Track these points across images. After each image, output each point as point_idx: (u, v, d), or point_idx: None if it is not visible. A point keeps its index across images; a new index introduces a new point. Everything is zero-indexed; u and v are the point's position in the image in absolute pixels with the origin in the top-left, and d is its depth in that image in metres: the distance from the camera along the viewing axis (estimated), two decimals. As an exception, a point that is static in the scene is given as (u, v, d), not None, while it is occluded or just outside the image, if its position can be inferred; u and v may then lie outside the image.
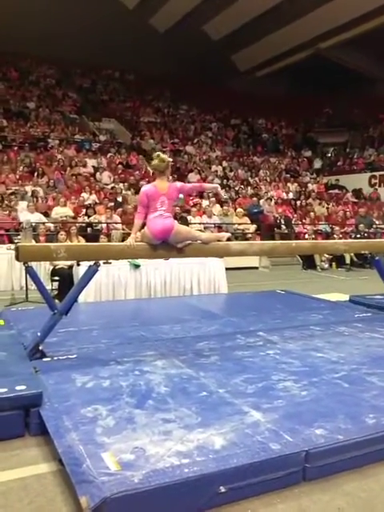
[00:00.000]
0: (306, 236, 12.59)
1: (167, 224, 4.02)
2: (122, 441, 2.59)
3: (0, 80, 18.88)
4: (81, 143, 16.50)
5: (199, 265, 7.74)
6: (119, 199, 12.56)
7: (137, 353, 4.16)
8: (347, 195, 17.35)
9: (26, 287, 7.11)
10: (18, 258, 3.85)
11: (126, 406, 3.06)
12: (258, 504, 2.33)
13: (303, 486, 2.48)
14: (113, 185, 13.65)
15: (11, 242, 9.04)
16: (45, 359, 3.92)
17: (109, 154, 15.93)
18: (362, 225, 13.14)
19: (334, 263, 11.91)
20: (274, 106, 22.42)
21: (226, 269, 8.14)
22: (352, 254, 11.57)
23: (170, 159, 4.32)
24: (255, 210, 13.54)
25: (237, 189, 15.76)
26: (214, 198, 13.74)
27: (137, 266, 7.23)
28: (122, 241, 4.18)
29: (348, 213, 14.91)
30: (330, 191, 17.80)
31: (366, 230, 13.05)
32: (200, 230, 9.19)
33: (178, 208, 12.32)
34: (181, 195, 13.67)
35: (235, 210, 13.19)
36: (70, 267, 7.32)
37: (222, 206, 13.30)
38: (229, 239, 4.97)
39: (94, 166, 14.77)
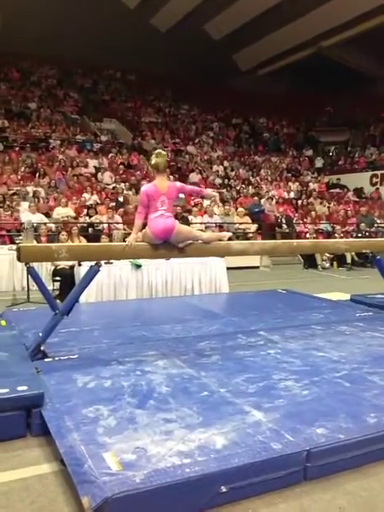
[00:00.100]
0: (307, 235, 12.57)
1: (168, 224, 4.02)
2: (124, 441, 2.60)
3: (1, 80, 18.91)
4: (82, 143, 16.51)
5: (200, 264, 7.75)
6: (120, 199, 12.56)
7: (138, 353, 4.17)
8: (348, 194, 17.32)
9: (27, 287, 7.12)
10: (19, 259, 3.86)
11: (127, 406, 3.06)
12: (260, 503, 2.34)
13: (304, 485, 2.49)
14: (114, 185, 13.66)
15: (13, 242, 9.05)
16: (46, 359, 3.93)
17: (110, 155, 15.94)
18: (363, 224, 13.12)
19: (335, 262, 11.90)
20: (275, 105, 22.39)
21: (227, 268, 8.15)
22: (353, 253, 11.55)
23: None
24: (256, 210, 13.52)
25: (238, 188, 15.75)
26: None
27: (138, 266, 7.24)
28: (124, 241, 4.17)
29: (349, 212, 14.88)
30: (331, 190, 17.78)
31: (368, 229, 13.03)
32: (201, 230, 9.20)
33: (179, 208, 12.32)
34: (181, 195, 13.61)
35: (236, 209, 13.19)
36: (72, 267, 7.33)
37: (223, 206, 13.30)
38: (230, 239, 4.96)
39: (95, 167, 14.77)
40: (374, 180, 17.74)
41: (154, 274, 7.40)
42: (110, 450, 2.49)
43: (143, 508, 2.19)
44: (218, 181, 16.06)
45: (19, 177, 13.03)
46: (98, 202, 12.24)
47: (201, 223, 11.78)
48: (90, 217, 11.07)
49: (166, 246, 4.16)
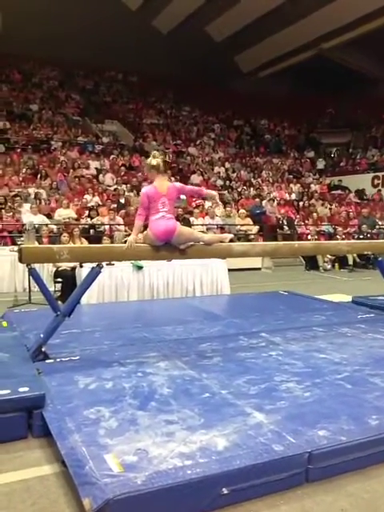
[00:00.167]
0: (309, 237, 12.57)
1: (170, 225, 4.01)
2: (125, 442, 2.59)
3: (3, 82, 18.96)
4: (84, 145, 16.55)
5: (202, 266, 7.75)
6: (122, 201, 12.58)
7: (139, 354, 4.17)
8: (350, 196, 17.32)
9: (29, 289, 7.12)
10: (21, 260, 3.86)
11: (128, 407, 3.06)
12: (261, 505, 2.33)
13: (306, 487, 2.48)
14: (115, 186, 13.69)
15: (14, 243, 9.07)
16: (48, 361, 3.93)
17: (111, 156, 15.96)
18: (364, 225, 13.12)
19: (336, 264, 11.89)
20: (277, 107, 22.42)
21: (229, 270, 8.15)
22: (355, 255, 11.55)
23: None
24: (258, 211, 13.53)
25: (239, 190, 15.75)
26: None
27: (139, 268, 7.24)
28: (124, 242, 4.16)
29: (351, 213, 14.89)
30: (333, 192, 17.77)
31: (369, 230, 13.02)
32: (202, 231, 9.20)
33: (180, 209, 12.33)
34: (182, 196, 13.56)
35: (238, 211, 13.19)
36: (73, 269, 7.33)
37: (224, 207, 13.30)
38: (231, 240, 4.95)
39: (96, 168, 14.80)
40: (376, 181, 17.74)
41: (155, 276, 7.40)
42: (111, 451, 2.49)
43: (144, 510, 2.18)
44: (220, 182, 16.07)
45: (21, 178, 13.05)
46: (100, 203, 12.26)
47: (202, 225, 11.79)
48: (92, 218, 11.09)
49: (168, 248, 4.16)
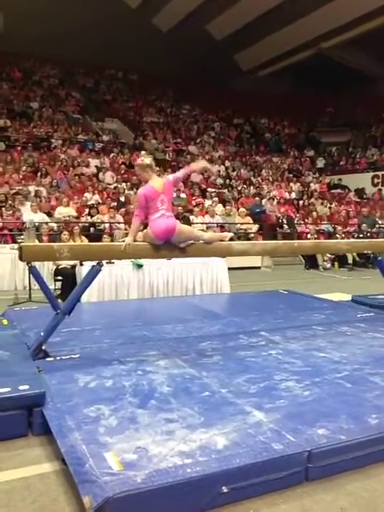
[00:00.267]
0: (309, 236, 12.57)
1: (170, 224, 4.01)
2: (125, 441, 2.60)
3: (3, 80, 18.94)
4: (84, 143, 16.53)
5: (202, 265, 7.75)
6: (122, 199, 12.57)
7: (139, 353, 4.17)
8: (350, 195, 17.31)
9: (29, 287, 7.13)
10: (21, 258, 3.86)
11: (128, 405, 3.06)
12: (261, 504, 2.34)
13: (306, 486, 2.48)
14: (115, 185, 13.68)
15: (15, 241, 9.06)
16: (48, 359, 3.93)
17: (112, 154, 15.95)
18: (364, 224, 13.12)
19: (336, 263, 11.90)
20: (277, 106, 22.40)
21: (229, 269, 8.15)
22: (354, 254, 11.55)
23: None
24: (258, 210, 13.53)
25: (239, 188, 15.74)
26: (216, 198, 13.75)
27: (139, 266, 7.25)
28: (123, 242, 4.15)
29: (351, 212, 14.89)
30: (333, 191, 17.77)
31: (369, 229, 13.03)
32: (202, 230, 9.19)
33: (180, 208, 12.33)
34: (183, 195, 13.51)
35: (238, 209, 13.19)
36: (73, 267, 7.34)
37: (224, 206, 13.31)
38: (231, 239, 4.95)
39: (96, 166, 14.78)
40: (376, 180, 17.74)
41: (155, 274, 7.41)
42: (111, 449, 2.50)
43: (144, 508, 2.19)
44: (220, 181, 16.06)
45: (21, 176, 13.03)
46: (100, 201, 12.26)
47: (202, 223, 11.79)
48: (92, 216, 11.09)
49: (168, 246, 4.16)
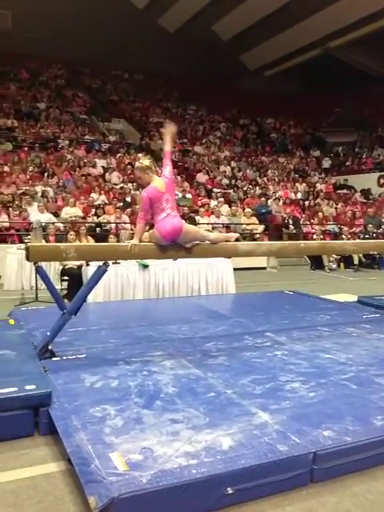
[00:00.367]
0: (315, 236, 12.54)
1: (176, 224, 4.01)
2: (130, 441, 2.61)
3: (11, 81, 19.04)
4: (90, 144, 16.56)
5: (207, 265, 7.75)
6: (128, 199, 12.60)
7: (145, 353, 4.19)
8: (356, 195, 17.24)
9: (35, 287, 7.16)
10: (28, 258, 3.88)
11: (134, 406, 3.08)
12: (266, 505, 2.34)
13: (311, 487, 2.48)
14: (122, 185, 13.70)
15: (21, 241, 9.11)
16: (54, 359, 3.96)
17: (118, 155, 15.98)
18: (370, 225, 13.07)
19: (342, 264, 11.86)
20: (283, 106, 22.34)
21: (234, 269, 8.15)
22: (360, 255, 11.51)
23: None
24: (263, 210, 13.51)
25: (245, 189, 15.73)
26: (222, 198, 13.75)
27: (145, 267, 7.26)
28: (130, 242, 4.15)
29: (356, 213, 14.83)
30: (339, 191, 17.71)
31: (375, 230, 12.97)
32: (208, 230, 9.19)
33: (186, 208, 12.34)
34: (188, 195, 13.47)
35: (243, 210, 13.18)
36: (80, 267, 7.37)
37: (230, 206, 13.30)
38: (237, 239, 4.95)
39: (103, 167, 14.82)
40: (382, 181, 17.64)
41: (160, 275, 7.42)
42: (116, 449, 2.51)
43: (149, 508, 2.19)
44: (225, 181, 16.05)
45: (28, 176, 13.09)
46: (106, 201, 12.28)
47: (208, 223, 11.79)
48: (98, 217, 11.12)
49: (173, 247, 4.16)
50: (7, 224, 10.22)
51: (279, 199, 14.58)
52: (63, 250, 3.99)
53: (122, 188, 13.41)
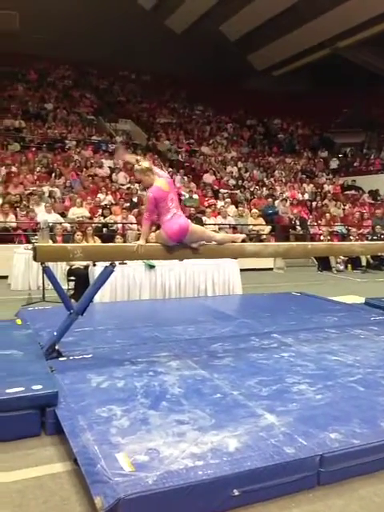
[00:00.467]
0: (322, 237, 12.49)
1: (183, 224, 4.01)
2: (137, 442, 2.61)
3: (19, 81, 19.16)
4: (97, 144, 16.62)
5: (214, 266, 7.74)
6: (135, 200, 12.61)
7: (151, 353, 4.19)
8: (364, 196, 17.15)
9: (42, 287, 7.18)
10: (35, 259, 3.90)
11: (140, 406, 3.08)
12: (272, 508, 2.33)
13: (318, 490, 2.47)
14: (128, 185, 13.72)
15: (29, 242, 9.15)
16: (61, 359, 3.97)
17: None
18: (378, 226, 13.00)
19: (349, 265, 11.80)
20: (290, 106, 22.28)
21: (241, 270, 8.13)
22: (368, 256, 11.45)
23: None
24: (270, 211, 13.46)
25: (252, 190, 15.70)
26: (229, 199, 13.73)
27: (152, 267, 7.26)
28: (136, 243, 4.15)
29: (364, 214, 14.74)
30: (346, 192, 17.62)
31: (383, 231, 12.89)
32: (215, 231, 9.18)
33: (192, 209, 12.33)
34: (195, 196, 13.43)
35: (250, 210, 13.15)
36: (86, 267, 7.38)
37: (237, 207, 13.28)
38: (244, 240, 4.94)
39: (110, 167, 14.85)
40: (390, 182, 17.54)
41: (167, 275, 7.42)
42: (122, 450, 2.51)
43: (155, 509, 2.19)
44: (232, 182, 16.03)
45: (35, 177, 13.14)
46: (113, 202, 12.30)
47: (214, 224, 11.77)
48: (105, 217, 11.14)
49: (180, 247, 4.16)
50: (14, 224, 10.26)
51: (286, 200, 14.53)
52: (70, 250, 4.00)
53: (128, 188, 13.43)
